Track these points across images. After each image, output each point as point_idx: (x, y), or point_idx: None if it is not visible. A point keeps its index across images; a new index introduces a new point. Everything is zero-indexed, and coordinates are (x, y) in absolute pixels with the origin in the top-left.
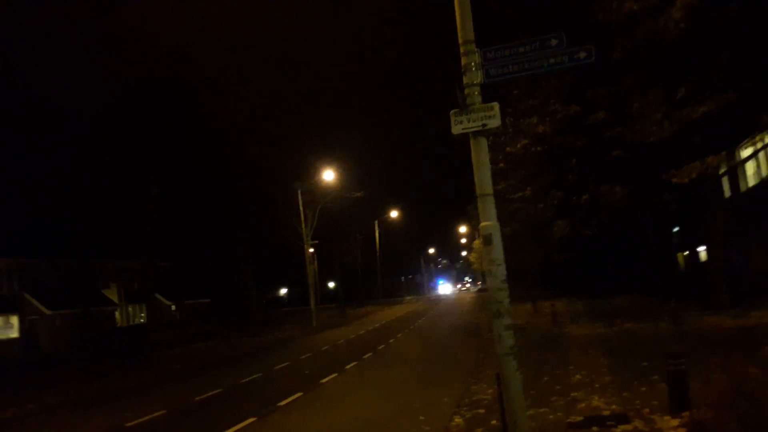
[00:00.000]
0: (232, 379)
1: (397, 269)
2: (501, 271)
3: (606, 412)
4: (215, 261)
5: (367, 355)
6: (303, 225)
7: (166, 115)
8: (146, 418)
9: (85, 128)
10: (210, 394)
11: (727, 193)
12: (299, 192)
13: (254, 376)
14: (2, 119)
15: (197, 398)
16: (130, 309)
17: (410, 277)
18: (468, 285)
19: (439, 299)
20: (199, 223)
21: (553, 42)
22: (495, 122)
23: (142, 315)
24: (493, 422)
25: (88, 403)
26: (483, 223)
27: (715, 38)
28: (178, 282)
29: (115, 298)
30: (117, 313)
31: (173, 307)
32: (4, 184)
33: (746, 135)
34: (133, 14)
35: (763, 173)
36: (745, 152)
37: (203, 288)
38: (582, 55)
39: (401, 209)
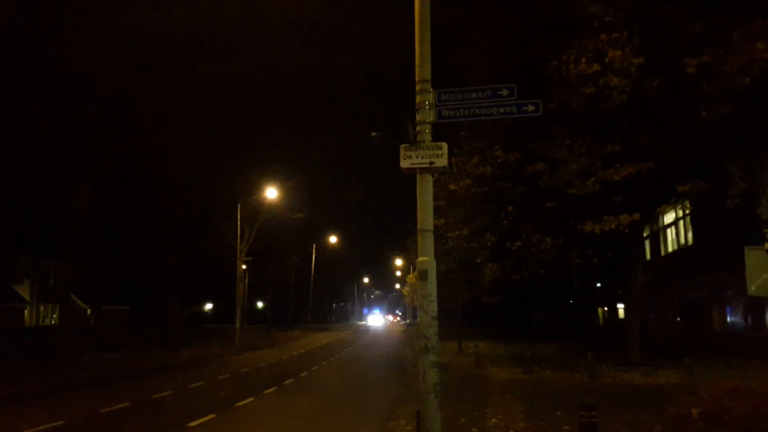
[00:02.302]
0: (143, 394)
1: (330, 295)
2: (432, 307)
3: None
4: (139, 266)
5: (287, 381)
6: (238, 240)
7: (104, 110)
8: (43, 427)
9: (16, 110)
10: (117, 407)
11: (649, 255)
12: (238, 205)
13: (166, 393)
14: None
15: (102, 410)
16: (41, 308)
17: (342, 304)
18: (398, 317)
19: (368, 330)
20: (127, 225)
21: (505, 92)
22: (442, 161)
23: (55, 316)
24: None
25: None
26: (420, 258)
27: (645, 110)
28: (97, 285)
29: (26, 295)
30: (26, 312)
31: (89, 311)
32: None
33: (666, 201)
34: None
35: (681, 241)
36: (669, 218)
37: (123, 294)
38: (530, 108)
39: (340, 235)
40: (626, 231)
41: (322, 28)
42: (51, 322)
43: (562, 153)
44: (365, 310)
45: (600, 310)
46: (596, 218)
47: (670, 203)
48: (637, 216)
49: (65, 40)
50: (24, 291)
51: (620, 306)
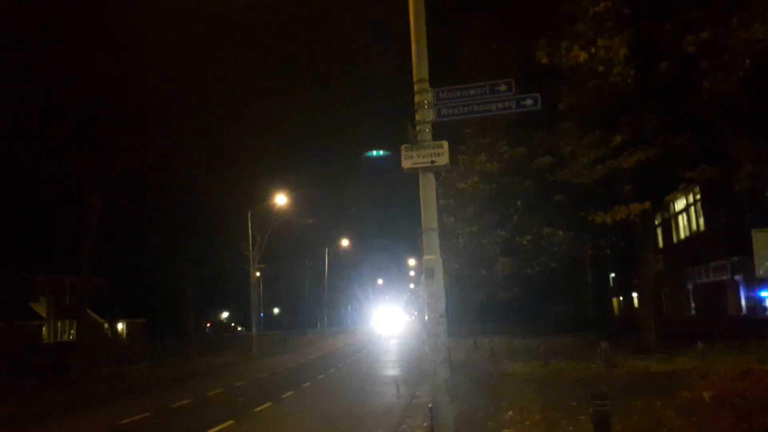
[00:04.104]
0: (162, 404)
1: (345, 299)
2: (440, 305)
3: None
4: (155, 279)
5: (305, 385)
6: (251, 248)
7: (113, 124)
8: None
9: (27, 129)
10: (137, 417)
11: (661, 243)
12: (249, 213)
13: (185, 402)
14: None
15: (123, 422)
16: (59, 325)
17: (357, 307)
18: (413, 317)
19: (382, 332)
20: (141, 238)
21: (503, 87)
22: (443, 160)
23: (72, 332)
24: None
25: (4, 425)
26: (426, 257)
27: (652, 96)
28: (114, 299)
29: (43, 313)
30: (44, 329)
31: (106, 326)
32: None
33: (675, 189)
34: (82, 7)
35: (693, 227)
36: (680, 205)
37: (140, 307)
38: (528, 102)
39: (352, 239)
40: (637, 220)
41: (321, 31)
42: (69, 337)
43: (571, 147)
44: (380, 312)
45: (615, 300)
46: (607, 208)
47: (679, 190)
48: (647, 204)
49: (72, 54)
50: (41, 308)
51: (635, 295)
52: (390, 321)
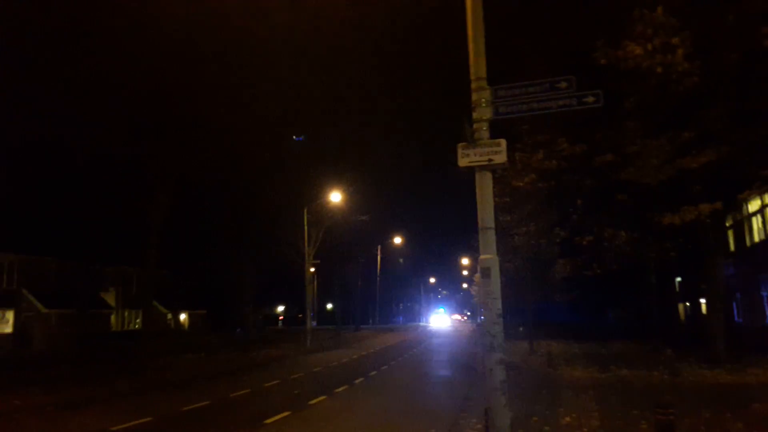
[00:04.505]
0: (221, 393)
1: (396, 296)
2: (497, 305)
3: None
4: (215, 273)
5: (358, 380)
6: (306, 244)
7: (178, 124)
8: (132, 423)
9: (96, 130)
10: (198, 405)
11: (732, 246)
12: (305, 210)
13: (243, 392)
14: (7, 117)
15: (185, 408)
16: (126, 314)
17: (409, 304)
18: (466, 317)
19: (433, 331)
20: (203, 233)
21: (563, 84)
22: (501, 158)
23: (138, 321)
24: None
25: (76, 405)
26: (482, 256)
27: (721, 90)
28: (177, 291)
29: (112, 302)
30: (113, 317)
31: (169, 316)
32: (10, 181)
33: (748, 187)
34: (139, 12)
35: None
36: (754, 206)
37: (201, 299)
38: (590, 99)
39: (405, 236)
40: (707, 221)
41: (382, 30)
42: (135, 326)
43: (636, 147)
44: (431, 310)
45: (681, 305)
46: (674, 209)
47: (753, 189)
48: (718, 204)
49: (134, 60)
50: (110, 298)
51: (703, 301)
52: (442, 320)
